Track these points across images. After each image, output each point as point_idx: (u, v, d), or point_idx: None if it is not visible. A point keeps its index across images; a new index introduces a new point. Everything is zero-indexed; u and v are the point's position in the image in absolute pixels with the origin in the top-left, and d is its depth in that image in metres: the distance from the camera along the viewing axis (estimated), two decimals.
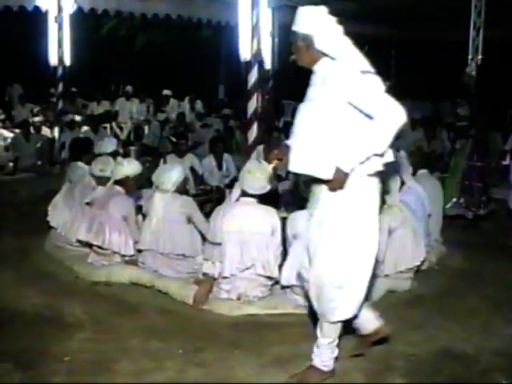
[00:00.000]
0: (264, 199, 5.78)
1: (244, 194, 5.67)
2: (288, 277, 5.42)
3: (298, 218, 5.66)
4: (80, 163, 7.52)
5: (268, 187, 5.62)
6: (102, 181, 6.79)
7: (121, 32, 21.16)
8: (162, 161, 8.76)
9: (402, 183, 6.61)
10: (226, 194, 7.45)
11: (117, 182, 6.43)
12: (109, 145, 8.11)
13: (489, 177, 10.74)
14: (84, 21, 13.19)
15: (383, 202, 6.02)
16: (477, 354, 4.66)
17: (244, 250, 5.48)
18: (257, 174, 5.57)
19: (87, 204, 6.65)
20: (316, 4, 3.83)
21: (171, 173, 6.23)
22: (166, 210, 6.12)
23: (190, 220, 6.25)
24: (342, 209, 3.91)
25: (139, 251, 6.25)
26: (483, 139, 8.86)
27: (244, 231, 5.51)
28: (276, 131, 10.47)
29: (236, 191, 5.78)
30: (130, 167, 6.48)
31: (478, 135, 8.61)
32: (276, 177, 8.74)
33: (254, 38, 6.86)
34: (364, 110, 3.82)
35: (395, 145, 4.00)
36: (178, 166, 6.47)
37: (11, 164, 12.10)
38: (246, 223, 5.53)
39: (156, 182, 6.32)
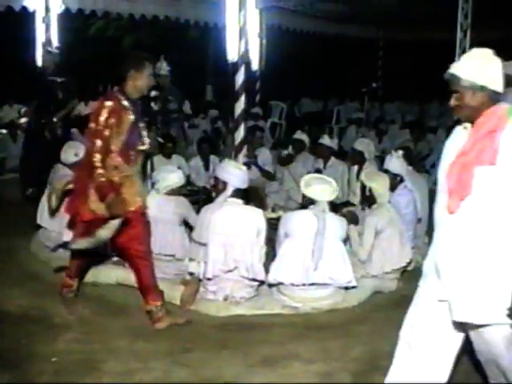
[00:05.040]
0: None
1: (233, 194, 5.65)
2: (275, 275, 5.44)
3: (290, 218, 5.69)
4: (60, 165, 7.07)
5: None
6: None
7: (108, 33, 21.10)
8: (148, 162, 8.70)
9: (400, 181, 6.64)
10: (212, 194, 7.44)
11: None
12: None
13: None
14: (72, 21, 13.16)
15: (373, 201, 6.08)
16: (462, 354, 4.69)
17: (228, 252, 5.47)
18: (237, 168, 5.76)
19: None
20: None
21: (169, 175, 6.24)
22: (159, 210, 6.03)
23: (182, 222, 6.24)
24: None
25: None
26: None
27: (229, 233, 5.50)
28: (259, 131, 10.48)
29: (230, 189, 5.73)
30: None
31: None
32: (264, 175, 8.80)
33: (241, 39, 6.86)
34: None
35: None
36: (178, 172, 6.43)
37: None
38: (231, 225, 5.53)
39: (153, 178, 6.35)
